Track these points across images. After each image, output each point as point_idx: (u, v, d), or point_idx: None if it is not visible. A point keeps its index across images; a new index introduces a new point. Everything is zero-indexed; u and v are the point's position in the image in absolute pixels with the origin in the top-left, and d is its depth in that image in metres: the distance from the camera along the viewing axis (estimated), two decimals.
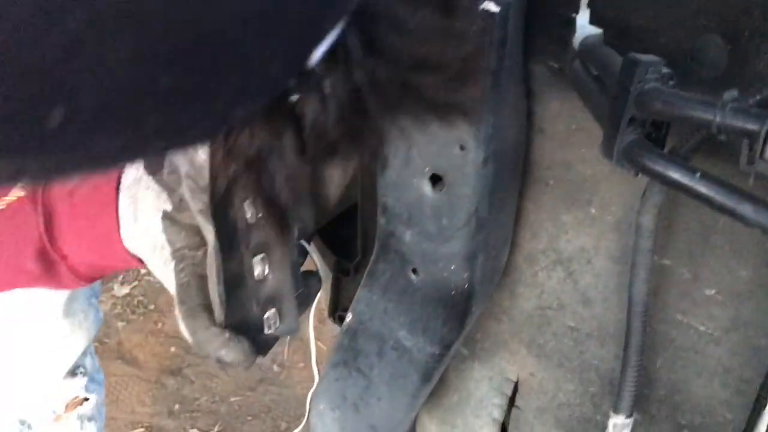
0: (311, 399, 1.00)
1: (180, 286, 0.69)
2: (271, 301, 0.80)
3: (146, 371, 2.14)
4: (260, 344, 0.75)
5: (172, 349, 2.20)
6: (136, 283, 2.41)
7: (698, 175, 0.58)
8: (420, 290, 0.80)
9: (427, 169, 0.71)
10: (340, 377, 0.94)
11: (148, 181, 0.70)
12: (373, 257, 0.83)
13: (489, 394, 0.95)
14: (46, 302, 1.04)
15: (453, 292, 0.76)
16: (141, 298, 2.37)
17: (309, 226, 0.88)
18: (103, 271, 0.77)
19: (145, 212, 0.70)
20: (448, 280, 0.76)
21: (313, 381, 1.00)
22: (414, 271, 0.79)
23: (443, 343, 0.82)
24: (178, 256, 0.69)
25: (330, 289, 1.02)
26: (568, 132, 0.77)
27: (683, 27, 0.67)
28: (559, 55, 0.73)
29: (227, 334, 0.67)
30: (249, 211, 0.73)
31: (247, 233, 0.74)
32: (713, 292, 0.73)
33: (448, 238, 0.73)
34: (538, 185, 0.81)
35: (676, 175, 0.58)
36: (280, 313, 0.81)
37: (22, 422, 1.12)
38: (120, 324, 2.28)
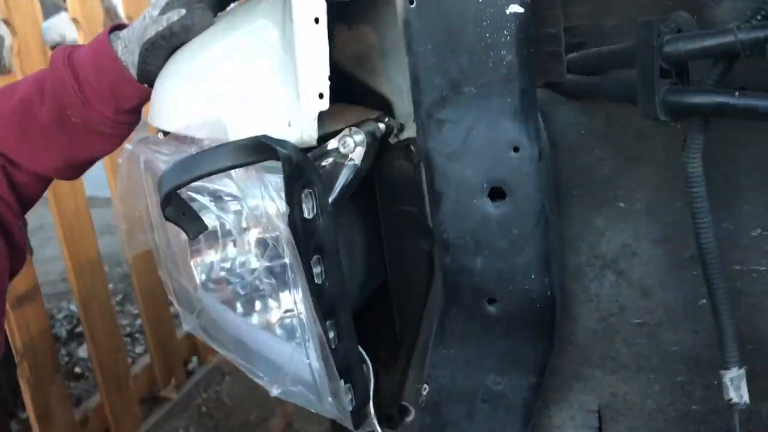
0: None
1: None
2: (345, 371, 0.78)
3: None
4: None
5: None
6: None
7: (737, 93, 0.66)
8: (501, 320, 0.80)
9: (485, 185, 0.75)
10: None
11: None
12: (440, 307, 0.83)
13: None
14: None
15: (537, 305, 0.77)
16: None
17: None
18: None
19: None
20: (530, 293, 0.77)
21: None
22: (491, 301, 0.79)
23: (538, 369, 0.80)
24: None
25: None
26: (579, 138, 0.85)
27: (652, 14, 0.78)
28: (554, 72, 0.82)
29: None
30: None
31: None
32: (759, 231, 0.80)
33: (521, 247, 0.75)
34: (564, 198, 0.87)
35: (720, 99, 0.66)
36: (353, 387, 0.79)
37: None
38: None
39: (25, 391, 2.18)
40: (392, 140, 0.87)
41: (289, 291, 0.77)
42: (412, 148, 0.86)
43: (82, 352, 3.14)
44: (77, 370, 2.98)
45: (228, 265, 0.86)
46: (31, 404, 2.19)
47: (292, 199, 0.71)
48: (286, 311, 0.82)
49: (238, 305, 0.88)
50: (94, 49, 0.98)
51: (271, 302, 0.83)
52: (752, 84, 0.70)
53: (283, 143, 0.71)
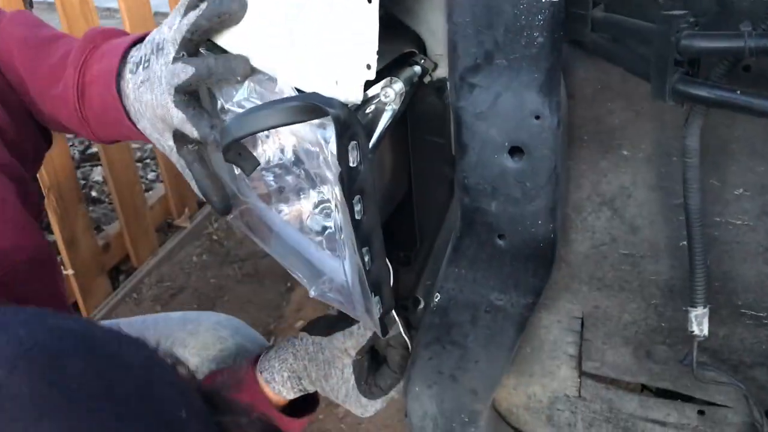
0: (405, 386, 1.10)
1: None
2: (375, 287, 0.92)
3: None
4: None
5: None
6: None
7: (738, 92, 0.74)
8: (508, 252, 0.93)
9: (506, 143, 0.85)
10: (433, 355, 1.05)
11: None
12: (456, 235, 0.95)
13: (561, 336, 1.09)
14: None
15: (541, 244, 0.90)
16: None
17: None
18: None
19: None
20: (535, 235, 0.89)
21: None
22: (500, 236, 0.92)
23: (535, 292, 0.95)
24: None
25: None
26: (594, 92, 0.93)
27: None
28: (578, 31, 0.89)
29: None
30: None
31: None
32: (741, 190, 0.91)
33: (533, 198, 0.87)
34: (575, 142, 0.97)
35: (722, 94, 0.74)
36: (381, 299, 0.94)
37: None
38: None
39: (53, 221, 2.34)
40: (426, 79, 0.95)
41: (329, 185, 0.87)
42: (443, 88, 0.94)
43: (97, 175, 3.27)
44: (94, 194, 3.14)
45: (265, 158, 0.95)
46: (59, 232, 2.37)
47: (341, 152, 0.81)
48: (320, 202, 0.92)
49: (273, 197, 0.97)
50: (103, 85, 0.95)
51: (309, 193, 0.92)
52: None
53: (331, 102, 0.79)
